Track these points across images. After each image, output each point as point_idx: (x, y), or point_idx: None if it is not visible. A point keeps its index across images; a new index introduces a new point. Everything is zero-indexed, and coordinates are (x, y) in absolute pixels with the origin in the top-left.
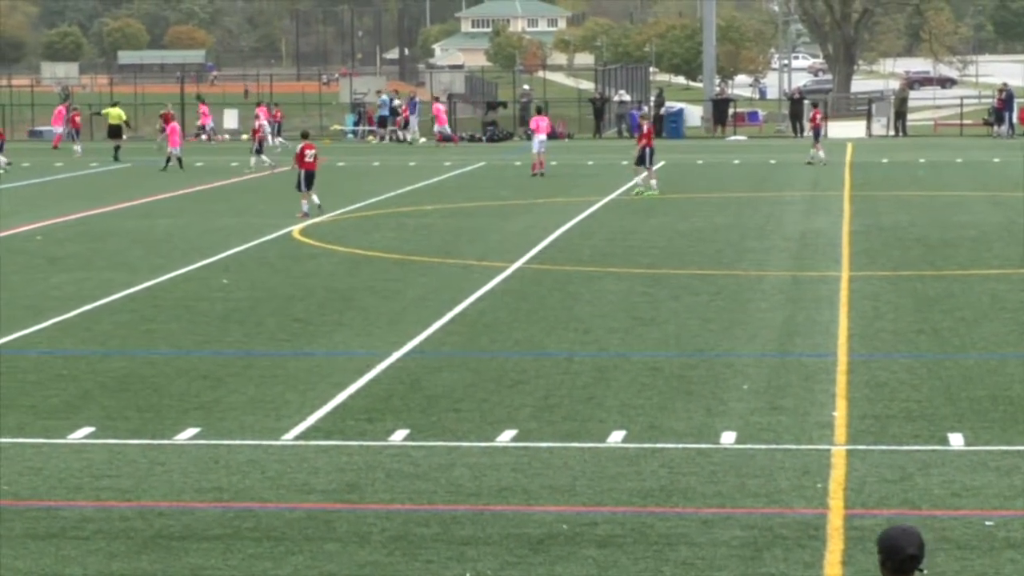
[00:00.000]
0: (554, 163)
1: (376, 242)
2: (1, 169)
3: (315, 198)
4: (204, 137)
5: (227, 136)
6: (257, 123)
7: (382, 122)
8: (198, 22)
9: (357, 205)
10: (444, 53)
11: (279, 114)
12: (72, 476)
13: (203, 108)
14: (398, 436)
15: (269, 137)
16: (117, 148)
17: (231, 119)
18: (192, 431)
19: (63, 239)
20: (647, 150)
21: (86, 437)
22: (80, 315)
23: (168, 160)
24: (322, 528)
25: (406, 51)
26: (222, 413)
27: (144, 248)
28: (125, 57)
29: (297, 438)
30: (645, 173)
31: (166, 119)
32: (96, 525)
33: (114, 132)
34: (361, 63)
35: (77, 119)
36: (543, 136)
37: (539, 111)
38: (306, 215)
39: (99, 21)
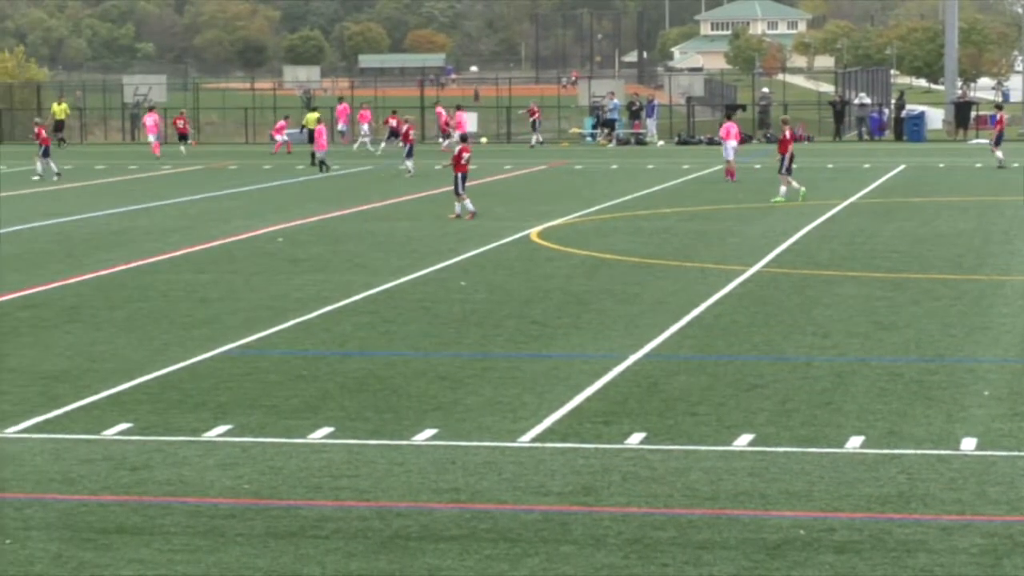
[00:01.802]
0: (795, 166)
1: (613, 245)
2: (36, 176)
3: (468, 203)
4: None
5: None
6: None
7: (610, 124)
8: (438, 26)
9: (595, 208)
10: (683, 56)
11: (396, 120)
12: (311, 476)
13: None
14: (634, 439)
15: (367, 142)
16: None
17: (470, 122)
18: (430, 432)
19: (304, 241)
20: (788, 156)
21: (326, 437)
22: (320, 316)
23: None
24: (558, 530)
25: (645, 54)
26: (460, 414)
27: (383, 250)
28: (366, 61)
29: (534, 440)
30: (790, 180)
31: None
32: (335, 524)
33: (311, 137)
34: (600, 66)
35: (180, 122)
36: (733, 143)
37: (728, 117)
38: (458, 216)
39: (340, 25)
